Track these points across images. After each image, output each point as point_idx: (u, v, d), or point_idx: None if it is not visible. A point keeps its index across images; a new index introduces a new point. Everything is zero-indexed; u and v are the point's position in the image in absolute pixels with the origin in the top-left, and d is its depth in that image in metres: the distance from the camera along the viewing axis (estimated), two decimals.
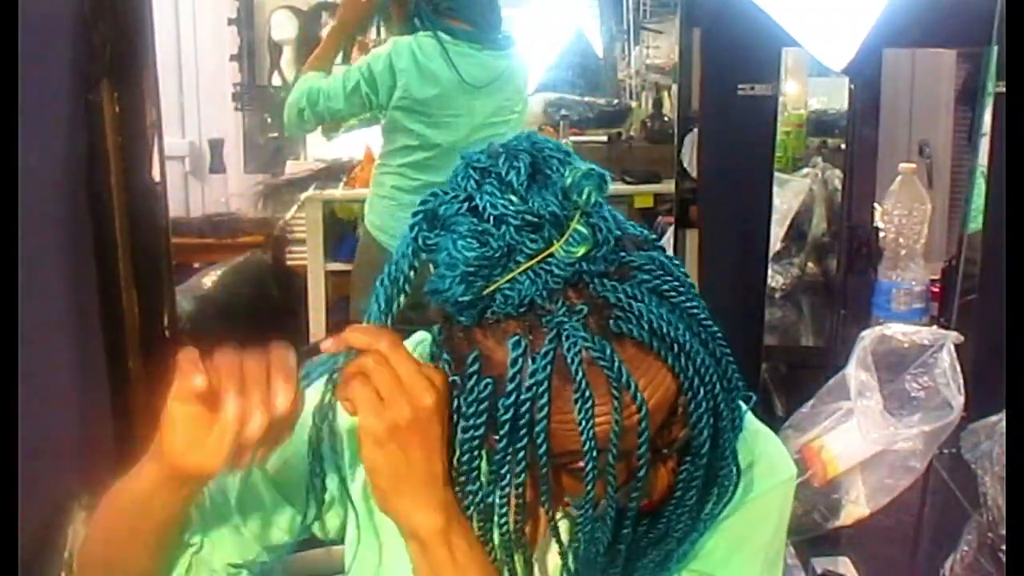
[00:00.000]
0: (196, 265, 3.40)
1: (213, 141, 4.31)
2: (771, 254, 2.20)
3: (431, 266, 0.81)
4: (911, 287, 1.99)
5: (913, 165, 2.08)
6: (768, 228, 2.01)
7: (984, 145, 1.71)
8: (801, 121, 2.77)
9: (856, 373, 1.56)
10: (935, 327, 1.73)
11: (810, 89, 2.85)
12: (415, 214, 0.80)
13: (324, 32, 4.25)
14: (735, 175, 1.95)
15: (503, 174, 0.77)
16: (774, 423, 1.84)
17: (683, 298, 0.80)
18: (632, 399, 0.77)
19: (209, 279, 2.69)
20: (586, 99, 4.27)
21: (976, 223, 1.76)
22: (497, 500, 0.82)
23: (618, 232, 0.80)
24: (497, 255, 0.76)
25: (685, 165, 2.50)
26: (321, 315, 3.80)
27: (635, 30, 4.21)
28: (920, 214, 2.00)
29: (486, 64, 2.72)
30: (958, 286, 1.78)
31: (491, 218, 0.76)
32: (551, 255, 0.76)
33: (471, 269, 0.76)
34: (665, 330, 0.77)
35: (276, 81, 4.39)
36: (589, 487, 0.79)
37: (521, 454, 0.79)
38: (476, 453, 0.82)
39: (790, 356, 2.22)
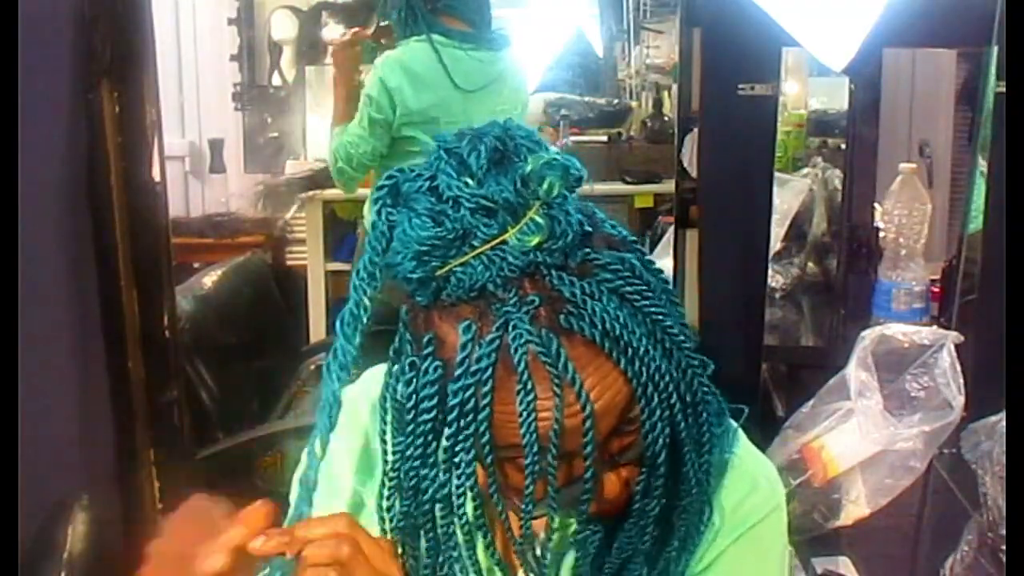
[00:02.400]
0: (196, 265, 3.40)
1: (213, 141, 4.31)
2: (771, 254, 2.20)
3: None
4: (911, 287, 1.99)
5: (913, 165, 2.08)
6: (768, 228, 2.01)
7: (984, 145, 1.71)
8: (801, 121, 2.77)
9: (856, 373, 1.56)
10: (935, 327, 1.73)
11: (810, 89, 2.85)
12: (379, 187, 0.79)
13: (324, 32, 4.26)
14: (735, 175, 1.95)
15: (464, 156, 0.76)
16: (774, 423, 1.84)
17: (647, 303, 0.78)
18: (576, 397, 0.75)
19: (209, 279, 2.69)
20: (586, 99, 4.28)
21: (976, 223, 1.76)
22: (453, 489, 0.80)
23: (586, 228, 0.78)
24: (451, 237, 0.75)
25: (685, 165, 2.50)
26: (321, 315, 3.80)
27: (635, 30, 4.22)
28: (920, 214, 2.00)
29: (481, 66, 2.69)
30: (958, 286, 1.78)
31: (449, 199, 0.75)
32: (504, 242, 0.75)
33: (424, 248, 0.75)
34: (619, 332, 0.75)
35: (276, 81, 4.39)
36: (529, 483, 0.77)
37: (470, 441, 0.77)
38: (430, 438, 0.80)
39: (790, 356, 2.22)
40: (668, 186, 3.41)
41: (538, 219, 0.75)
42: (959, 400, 1.53)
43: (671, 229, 2.65)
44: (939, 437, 1.54)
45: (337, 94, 2.82)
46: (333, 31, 4.23)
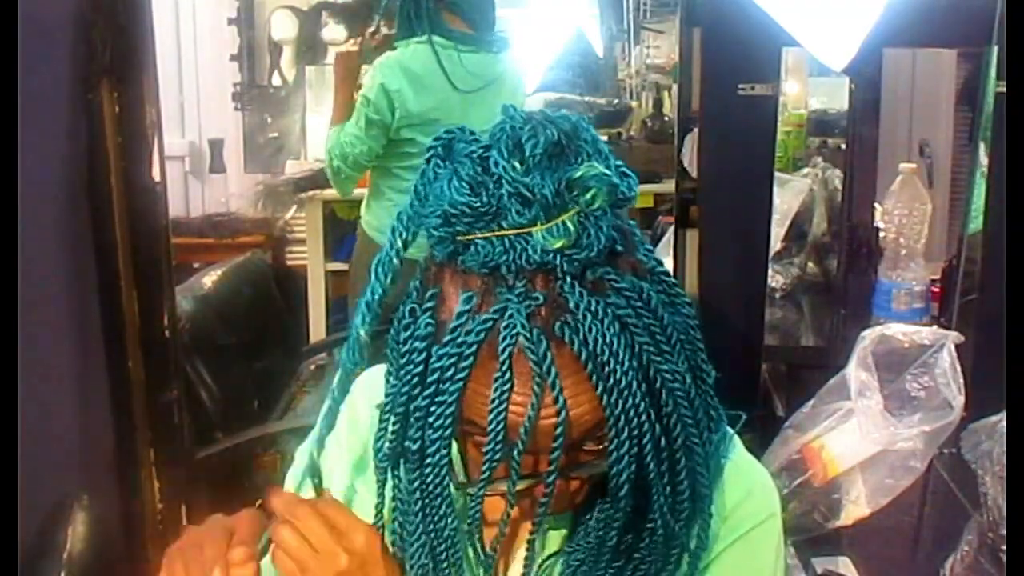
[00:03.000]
0: (196, 265, 3.40)
1: (213, 141, 4.31)
2: (771, 254, 2.20)
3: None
4: (911, 287, 1.99)
5: (913, 165, 2.08)
6: (768, 228, 2.01)
7: (984, 145, 1.71)
8: (801, 121, 2.77)
9: (856, 373, 1.56)
10: (935, 327, 1.72)
11: (810, 89, 2.85)
12: (437, 139, 0.80)
13: (324, 32, 4.26)
14: (735, 175, 1.95)
15: (521, 139, 0.76)
16: (774, 423, 1.84)
17: (649, 340, 0.77)
18: (554, 400, 0.76)
19: (209, 279, 2.69)
20: (586, 99, 4.28)
21: (976, 223, 1.76)
22: (427, 441, 0.80)
23: (616, 247, 0.78)
24: (483, 210, 0.76)
25: (685, 165, 2.49)
26: (321, 315, 3.81)
27: (635, 30, 4.22)
28: (920, 214, 2.00)
29: (480, 68, 2.69)
30: (958, 286, 1.78)
31: (494, 174, 0.76)
32: (530, 234, 0.75)
33: (453, 211, 0.76)
34: (606, 358, 0.75)
35: (276, 81, 4.39)
36: (486, 467, 0.78)
37: (442, 406, 0.78)
38: (416, 387, 0.80)
39: (790, 356, 2.21)
40: (668, 186, 3.41)
41: (569, 224, 0.75)
42: (959, 400, 1.53)
43: (671, 229, 2.65)
44: (939, 437, 1.53)
45: (337, 97, 2.83)
46: (333, 31, 4.23)
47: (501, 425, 0.76)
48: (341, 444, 0.99)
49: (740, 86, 1.86)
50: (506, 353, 0.75)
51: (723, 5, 1.85)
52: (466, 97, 2.65)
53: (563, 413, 0.76)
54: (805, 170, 2.57)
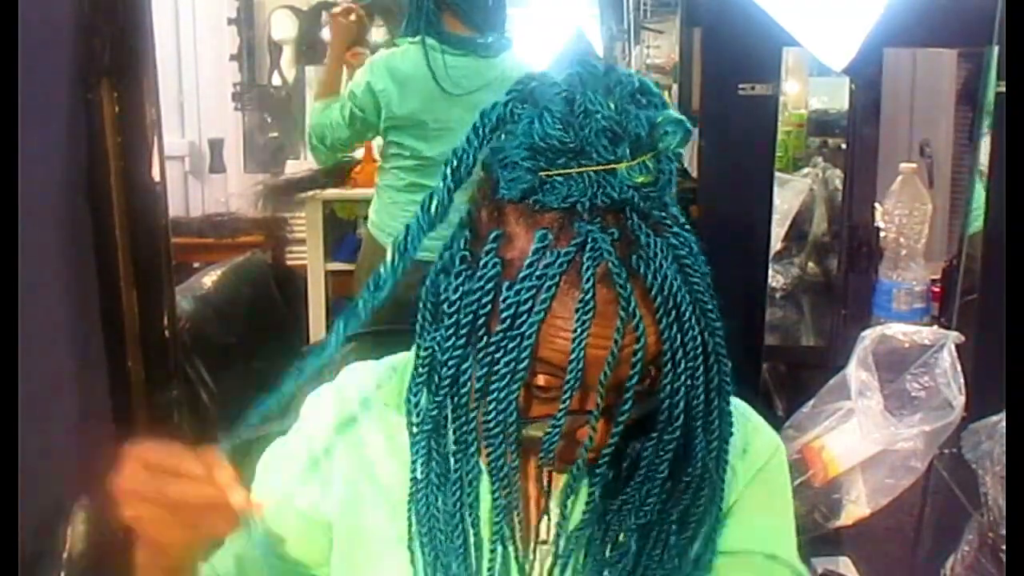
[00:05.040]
0: (196, 265, 3.40)
1: (213, 141, 4.31)
2: (771, 254, 2.20)
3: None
4: (912, 287, 1.99)
5: (914, 165, 2.08)
6: (768, 228, 2.01)
7: (984, 145, 1.71)
8: (802, 121, 2.77)
9: (857, 373, 1.56)
10: (936, 327, 1.73)
11: (811, 89, 2.85)
12: (517, 83, 0.82)
13: (324, 32, 4.26)
14: (735, 175, 1.95)
15: (610, 83, 0.80)
16: (774, 423, 1.84)
17: (698, 282, 0.81)
18: (633, 329, 0.77)
19: (209, 279, 2.68)
20: None
21: (976, 223, 1.76)
22: (495, 384, 0.80)
23: (670, 196, 0.82)
24: (570, 145, 0.78)
25: (685, 165, 2.49)
26: (321, 315, 3.80)
27: (635, 30, 4.21)
28: (921, 214, 2.00)
29: (471, 72, 2.66)
30: (959, 286, 1.78)
31: (583, 113, 0.78)
32: (614, 171, 0.78)
33: (542, 146, 0.78)
34: (674, 291, 0.78)
35: (276, 81, 4.39)
36: (566, 396, 0.78)
37: (516, 342, 0.78)
38: (480, 332, 0.80)
39: (790, 356, 2.22)
40: None
41: (649, 163, 0.79)
42: (959, 400, 1.53)
43: None
44: (939, 437, 1.53)
45: (329, 68, 2.84)
46: None
47: (582, 353, 0.77)
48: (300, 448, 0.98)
49: (740, 86, 1.86)
50: (590, 280, 0.77)
51: (723, 5, 1.85)
52: (457, 100, 2.62)
53: (642, 340, 0.78)
54: (805, 170, 2.58)
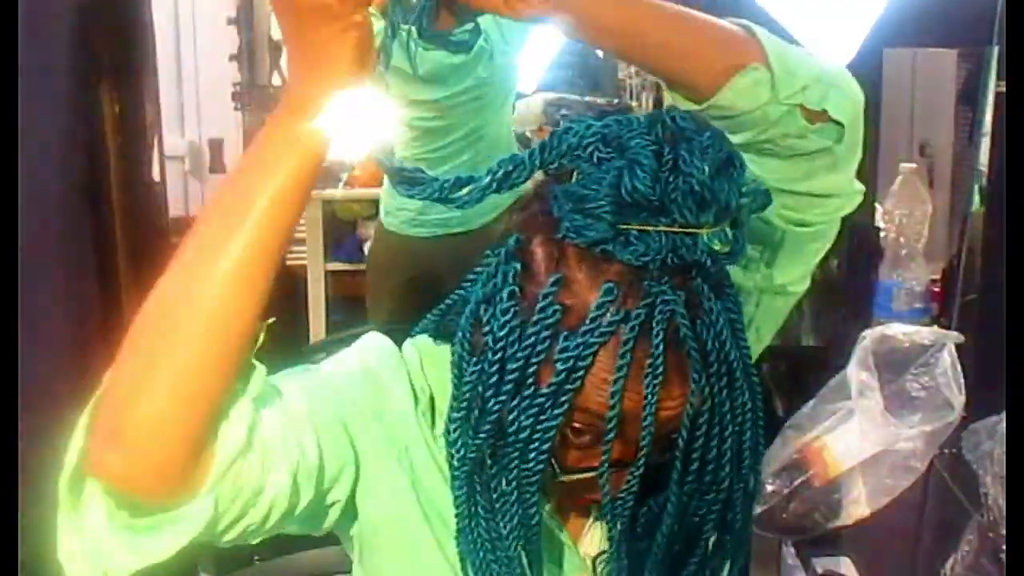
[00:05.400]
0: None
1: (213, 141, 4.31)
2: None
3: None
4: (912, 287, 1.99)
5: (914, 165, 2.08)
6: None
7: (985, 145, 1.71)
8: None
9: (857, 373, 1.56)
10: (936, 327, 1.73)
11: None
12: (592, 127, 0.79)
13: None
14: None
15: (704, 144, 0.78)
16: (774, 423, 1.84)
17: (745, 346, 0.83)
18: (681, 392, 0.78)
19: None
20: (586, 98, 4.27)
21: (977, 223, 1.76)
22: (536, 431, 0.79)
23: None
24: (655, 202, 0.76)
25: None
26: (321, 315, 3.80)
27: None
28: (921, 214, 2.00)
29: (446, 68, 2.53)
30: (959, 286, 1.78)
31: (673, 172, 0.76)
32: (695, 235, 0.77)
33: (629, 200, 0.76)
34: (730, 359, 0.79)
35: (276, 81, 4.38)
36: (605, 454, 0.79)
37: (568, 395, 0.78)
38: (529, 379, 0.79)
39: (790, 356, 2.21)
40: None
41: (729, 232, 0.79)
42: (960, 400, 1.53)
43: None
44: (940, 437, 1.53)
45: None
46: None
47: (653, 417, 0.78)
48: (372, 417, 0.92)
49: None
50: (660, 348, 0.76)
51: (723, 5, 1.84)
52: (439, 98, 2.54)
53: (689, 404, 0.79)
54: None
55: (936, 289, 2.02)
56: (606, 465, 0.80)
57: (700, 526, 0.85)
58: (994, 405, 1.42)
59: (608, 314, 0.77)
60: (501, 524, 0.84)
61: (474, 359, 0.83)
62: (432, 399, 0.92)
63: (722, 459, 0.81)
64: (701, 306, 0.78)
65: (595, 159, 0.79)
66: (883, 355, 1.58)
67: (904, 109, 2.55)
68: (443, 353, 0.90)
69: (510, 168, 0.79)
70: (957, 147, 2.37)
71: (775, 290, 0.96)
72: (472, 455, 0.84)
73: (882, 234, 2.05)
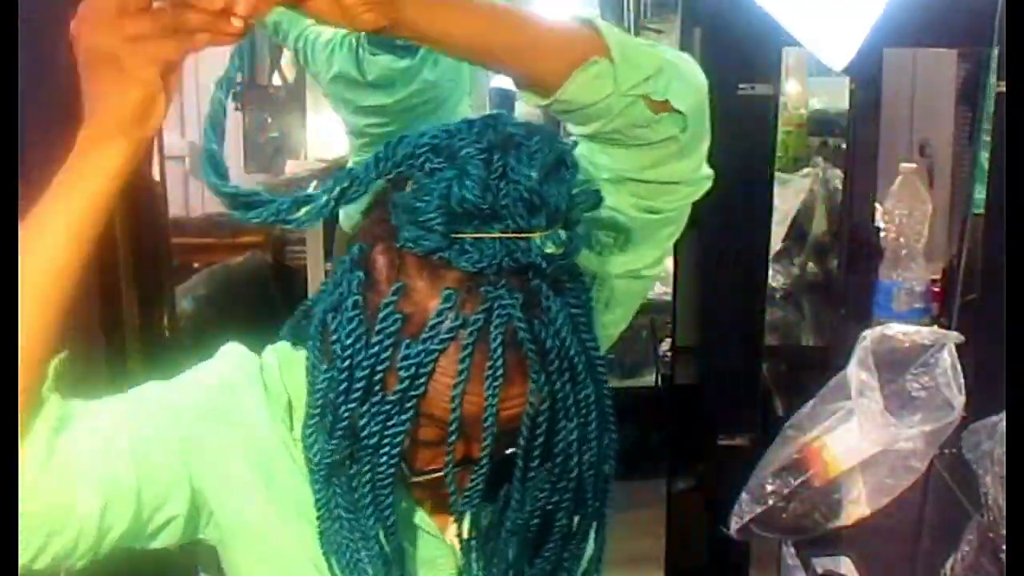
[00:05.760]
0: (196, 265, 3.40)
1: None
2: (771, 254, 2.20)
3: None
4: (912, 287, 1.99)
5: (914, 165, 2.08)
6: (768, 228, 2.01)
7: (985, 145, 1.71)
8: (802, 121, 2.77)
9: (857, 373, 1.56)
10: (936, 327, 1.73)
11: (811, 89, 2.84)
12: (423, 137, 0.81)
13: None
14: (735, 175, 1.95)
15: (532, 149, 0.79)
16: (774, 423, 1.84)
17: (589, 338, 0.85)
18: (523, 391, 0.81)
19: (209, 279, 2.69)
20: None
21: (977, 223, 1.76)
22: (385, 437, 0.81)
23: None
24: (486, 210, 0.78)
25: None
26: None
27: (635, 29, 4.21)
28: (921, 214, 2.00)
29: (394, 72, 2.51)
30: (959, 286, 1.78)
31: (502, 179, 0.78)
32: (528, 239, 0.79)
33: (460, 210, 0.78)
34: (571, 354, 0.81)
35: (276, 81, 4.38)
36: (485, 460, 0.82)
37: (414, 402, 0.80)
38: (376, 385, 0.81)
39: (790, 356, 2.22)
40: None
41: (562, 233, 0.80)
42: (960, 400, 1.53)
43: None
44: (940, 437, 1.53)
45: None
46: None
47: (494, 418, 0.80)
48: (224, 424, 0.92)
49: (740, 86, 1.87)
50: (499, 350, 0.78)
51: (723, 5, 1.85)
52: (389, 103, 2.51)
53: (529, 403, 0.81)
54: (805, 170, 2.57)
55: (936, 289, 2.02)
56: (450, 466, 0.82)
57: (553, 513, 0.88)
58: (994, 405, 1.42)
59: (447, 321, 0.79)
60: (362, 522, 0.86)
61: (324, 366, 0.84)
62: (290, 403, 0.93)
63: (569, 450, 0.84)
64: (539, 305, 0.80)
65: (427, 169, 0.80)
66: (883, 355, 1.58)
67: (904, 109, 2.55)
68: (301, 358, 0.91)
69: (346, 184, 0.80)
70: (957, 147, 2.37)
71: (631, 275, 0.99)
72: (328, 459, 0.85)
73: (882, 234, 2.06)
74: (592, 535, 0.93)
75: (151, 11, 0.73)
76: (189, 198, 4.35)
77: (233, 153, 4.33)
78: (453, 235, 0.78)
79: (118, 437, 0.85)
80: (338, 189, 0.80)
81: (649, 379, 3.68)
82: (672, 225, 0.97)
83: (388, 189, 0.83)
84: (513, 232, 0.78)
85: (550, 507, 0.87)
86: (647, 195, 0.92)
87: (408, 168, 0.80)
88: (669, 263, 2.56)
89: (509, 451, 0.84)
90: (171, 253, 1.56)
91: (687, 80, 0.89)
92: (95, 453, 0.84)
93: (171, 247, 1.57)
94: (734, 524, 1.66)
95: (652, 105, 0.86)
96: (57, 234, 0.79)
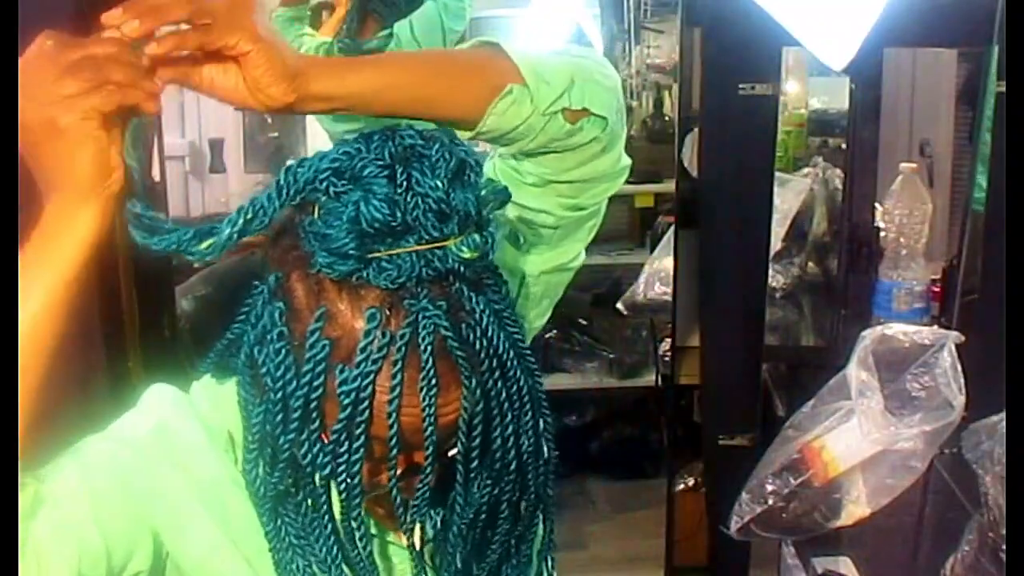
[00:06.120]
0: (196, 265, 3.40)
1: (213, 141, 4.30)
2: (771, 254, 2.20)
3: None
4: (912, 287, 1.99)
5: (914, 165, 2.08)
6: (768, 228, 2.01)
7: (984, 145, 1.71)
8: (802, 121, 2.77)
9: (857, 373, 1.56)
10: (936, 327, 1.72)
11: (811, 89, 2.85)
12: (323, 160, 0.80)
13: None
14: (735, 175, 1.95)
15: (434, 159, 0.79)
16: (774, 423, 1.84)
17: (516, 331, 0.84)
18: (459, 397, 0.80)
19: (209, 279, 2.69)
20: None
21: (977, 223, 1.76)
22: (344, 467, 0.81)
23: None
24: (397, 226, 0.77)
25: (685, 165, 2.49)
26: None
27: (636, 30, 4.21)
28: (921, 214, 2.00)
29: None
30: (959, 286, 1.78)
31: (408, 192, 0.78)
32: (443, 247, 0.79)
33: (371, 230, 0.77)
34: (499, 352, 0.81)
35: None
36: (428, 469, 0.81)
37: (361, 427, 0.79)
38: (313, 414, 0.80)
39: (790, 356, 2.22)
40: (668, 186, 3.40)
41: (476, 237, 0.80)
42: (960, 400, 1.53)
43: (671, 229, 2.65)
44: (940, 437, 1.53)
45: None
46: None
47: (432, 427, 0.79)
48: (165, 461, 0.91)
49: (740, 86, 1.87)
50: (430, 361, 0.78)
51: (723, 5, 1.85)
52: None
53: (463, 407, 0.81)
54: (805, 170, 2.57)
55: (936, 289, 2.02)
56: (394, 480, 0.82)
57: (497, 504, 0.88)
58: (994, 405, 1.42)
59: (376, 340, 0.78)
60: (316, 548, 0.86)
61: (257, 400, 0.84)
62: (231, 436, 0.92)
63: (507, 444, 0.84)
64: (463, 308, 0.80)
65: (332, 193, 0.79)
66: (883, 355, 1.58)
67: (904, 109, 2.55)
68: (229, 391, 0.90)
69: (250, 215, 0.80)
70: (957, 147, 2.37)
71: (558, 269, 1.01)
72: (272, 491, 0.85)
73: (882, 234, 2.06)
74: (540, 517, 0.93)
75: (72, 68, 0.74)
76: (189, 198, 4.35)
77: (233, 153, 4.34)
78: (368, 255, 0.78)
79: (79, 503, 0.84)
80: (242, 221, 0.80)
81: (649, 379, 3.69)
82: (594, 219, 1.00)
83: (293, 215, 0.82)
84: (427, 243, 0.78)
85: (494, 499, 0.87)
86: (572, 194, 0.94)
87: (311, 193, 0.80)
88: (669, 263, 2.57)
89: (451, 453, 0.84)
90: (171, 254, 1.56)
91: (600, 83, 0.89)
92: (61, 527, 0.82)
93: None
94: (734, 524, 1.66)
95: (571, 115, 0.87)
96: (35, 312, 0.79)
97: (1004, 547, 1.40)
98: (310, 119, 4.17)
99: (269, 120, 4.38)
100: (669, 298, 2.59)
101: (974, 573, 1.45)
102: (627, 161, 0.96)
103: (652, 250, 3.03)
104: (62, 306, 0.81)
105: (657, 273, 2.78)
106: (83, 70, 0.74)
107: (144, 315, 1.55)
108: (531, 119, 0.85)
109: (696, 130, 2.05)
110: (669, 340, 2.72)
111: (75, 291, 0.81)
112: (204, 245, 0.82)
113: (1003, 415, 1.43)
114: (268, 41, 0.77)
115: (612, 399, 3.89)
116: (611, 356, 3.80)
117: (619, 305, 2.88)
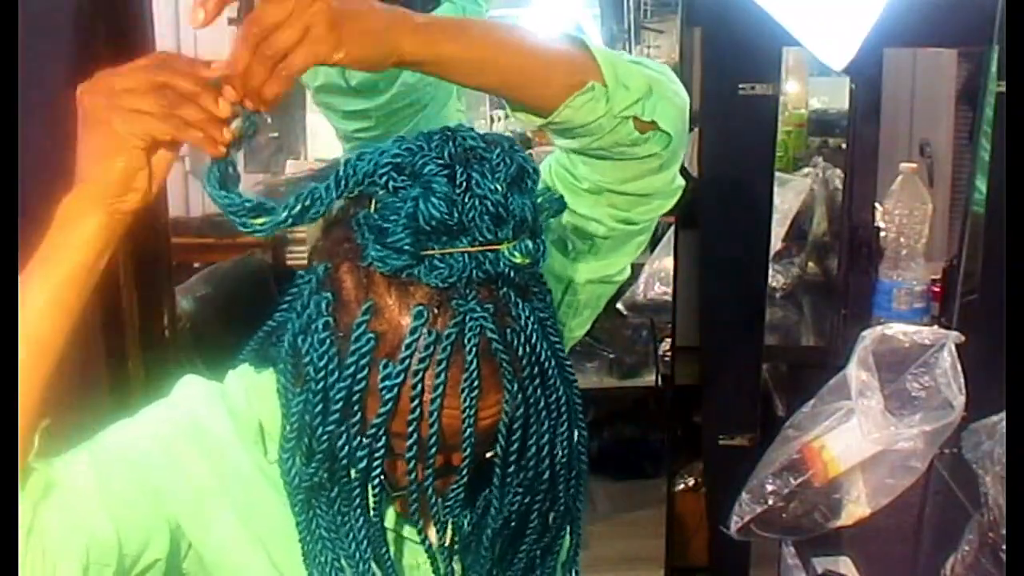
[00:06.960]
0: (196, 265, 3.40)
1: None
2: (771, 254, 2.20)
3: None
4: (912, 287, 1.99)
5: (914, 165, 2.08)
6: (768, 228, 2.00)
7: (984, 145, 1.71)
8: (802, 121, 2.77)
9: (857, 373, 1.56)
10: (936, 327, 1.73)
11: (811, 89, 2.85)
12: (384, 155, 0.80)
13: None
14: (735, 175, 1.95)
15: (495, 162, 0.80)
16: (774, 423, 1.84)
17: (558, 341, 0.85)
18: (498, 401, 0.81)
19: (209, 279, 2.69)
20: None
21: (977, 223, 1.76)
22: (377, 467, 0.82)
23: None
24: (453, 226, 0.78)
25: (685, 165, 2.48)
26: None
27: (636, 30, 4.21)
28: (921, 214, 2.00)
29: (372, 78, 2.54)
30: (959, 286, 1.78)
31: (467, 193, 0.78)
32: (496, 251, 0.79)
33: (427, 227, 0.78)
34: (541, 359, 0.82)
35: None
36: (463, 472, 0.82)
37: (409, 425, 0.79)
38: (355, 407, 0.81)
39: (790, 356, 2.21)
40: None
41: (529, 243, 0.80)
42: (960, 400, 1.53)
43: (671, 229, 2.65)
44: (940, 437, 1.54)
45: None
46: None
47: (472, 428, 0.80)
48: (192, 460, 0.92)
49: (740, 86, 1.86)
50: (474, 362, 0.79)
51: (723, 5, 1.84)
52: (372, 108, 2.53)
53: (504, 412, 0.82)
54: (805, 170, 2.57)
55: (936, 289, 2.02)
56: (431, 479, 0.83)
57: (528, 512, 0.88)
58: (994, 405, 1.42)
59: (422, 338, 0.79)
60: (345, 541, 0.86)
61: (298, 389, 0.84)
62: (262, 427, 0.92)
63: (542, 452, 0.85)
64: (510, 314, 0.81)
65: (391, 187, 0.80)
66: (883, 355, 1.58)
67: (904, 109, 2.55)
68: (267, 381, 0.90)
69: (307, 203, 0.80)
70: (957, 147, 2.37)
71: (602, 280, 1.01)
72: (307, 482, 0.85)
73: (882, 234, 2.05)
74: (567, 530, 0.94)
75: (156, 88, 0.78)
76: (189, 198, 4.35)
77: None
78: (422, 252, 0.78)
79: (89, 495, 0.84)
80: (299, 207, 0.80)
81: (649, 379, 3.69)
82: (643, 235, 1.00)
83: (349, 207, 0.83)
84: (480, 245, 0.79)
85: (524, 507, 0.88)
86: (625, 207, 0.94)
87: (369, 187, 0.80)
88: (669, 263, 2.57)
89: (488, 455, 0.84)
90: (171, 253, 1.56)
91: (672, 100, 0.90)
92: (70, 517, 0.83)
93: (171, 247, 1.56)
94: (734, 524, 1.66)
95: (640, 125, 0.87)
96: (38, 308, 0.80)
97: (1004, 547, 1.40)
98: (310, 119, 4.18)
99: (269, 120, 4.38)
100: (669, 298, 2.59)
101: (974, 573, 1.45)
102: (681, 182, 0.97)
103: (652, 250, 3.03)
104: (69, 306, 0.81)
105: (657, 273, 2.78)
106: (163, 97, 0.77)
107: (144, 315, 1.55)
108: (603, 119, 0.86)
109: (696, 130, 2.05)
110: (669, 340, 2.72)
111: (84, 300, 0.82)
112: (259, 221, 0.81)
113: (1003, 415, 1.43)
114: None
115: (612, 399, 3.88)
116: (611, 356, 3.79)
117: (619, 305, 2.88)
